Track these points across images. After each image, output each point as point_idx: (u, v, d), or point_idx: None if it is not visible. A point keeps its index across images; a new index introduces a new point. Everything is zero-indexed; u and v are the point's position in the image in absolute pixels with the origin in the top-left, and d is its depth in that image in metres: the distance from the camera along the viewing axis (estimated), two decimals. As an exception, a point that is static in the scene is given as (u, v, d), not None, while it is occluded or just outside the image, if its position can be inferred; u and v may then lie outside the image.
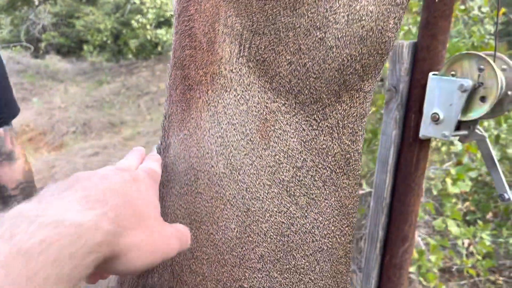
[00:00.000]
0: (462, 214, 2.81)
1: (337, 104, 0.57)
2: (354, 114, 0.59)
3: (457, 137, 1.15)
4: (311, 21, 0.52)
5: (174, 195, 0.56)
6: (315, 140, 0.57)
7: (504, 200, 1.11)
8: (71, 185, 0.40)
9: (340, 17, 0.52)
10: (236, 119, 0.54)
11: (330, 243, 0.61)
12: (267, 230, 0.57)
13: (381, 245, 1.30)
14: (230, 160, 0.55)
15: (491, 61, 1.01)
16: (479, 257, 2.78)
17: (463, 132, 1.13)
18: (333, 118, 0.58)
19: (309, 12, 0.51)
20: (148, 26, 7.19)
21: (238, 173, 0.55)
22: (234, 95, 0.54)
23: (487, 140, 1.13)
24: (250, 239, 0.56)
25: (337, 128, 0.58)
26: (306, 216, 0.58)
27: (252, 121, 0.55)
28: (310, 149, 0.57)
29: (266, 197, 0.56)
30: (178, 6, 0.51)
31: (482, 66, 1.02)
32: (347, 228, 0.63)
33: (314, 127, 0.57)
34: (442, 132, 1.10)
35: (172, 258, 0.57)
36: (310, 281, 0.60)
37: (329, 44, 0.53)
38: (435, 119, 1.10)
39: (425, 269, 2.59)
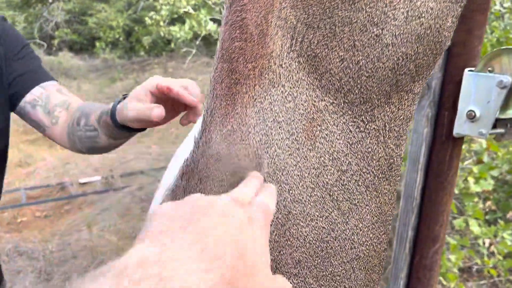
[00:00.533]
0: (483, 213, 2.78)
1: (386, 106, 0.54)
2: (402, 117, 0.56)
3: (493, 136, 1.11)
4: (369, 16, 0.49)
5: (213, 193, 0.54)
6: (361, 143, 0.55)
7: None
8: (187, 222, 0.38)
9: (399, 13, 0.49)
10: (282, 116, 0.52)
11: (367, 251, 0.58)
12: (307, 234, 0.54)
13: (411, 246, 1.27)
14: (274, 159, 0.52)
15: None
16: (500, 257, 2.74)
17: (500, 130, 1.09)
18: (380, 120, 0.55)
19: (368, 6, 0.48)
20: (161, 23, 7.20)
21: (282, 174, 0.52)
22: (282, 91, 0.51)
23: None
24: (289, 243, 0.53)
25: (384, 131, 0.56)
26: (347, 222, 0.55)
27: (299, 119, 0.52)
28: (355, 152, 0.55)
29: (309, 200, 0.53)
30: (231, -6, 0.49)
31: None
32: (383, 236, 0.60)
33: (361, 129, 0.54)
34: (478, 130, 1.06)
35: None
36: (346, 289, 0.57)
37: (385, 42, 0.50)
38: (471, 117, 1.06)
39: (445, 268, 2.56)
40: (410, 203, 1.27)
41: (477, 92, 1.06)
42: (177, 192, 0.57)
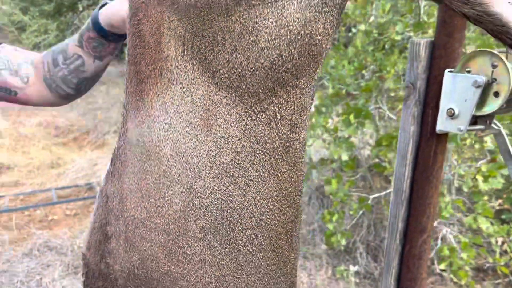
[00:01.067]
0: (495, 212, 2.79)
1: (274, 98, 0.65)
2: (292, 107, 0.67)
3: (474, 131, 1.18)
4: (243, 26, 0.60)
5: (129, 173, 0.66)
6: (253, 129, 0.66)
7: None
8: None
9: (269, 22, 0.60)
10: (182, 108, 0.64)
11: (269, 220, 0.69)
12: (208, 205, 0.65)
13: (401, 237, 1.34)
14: (176, 144, 0.64)
15: (504, 58, 1.05)
16: None
17: (480, 127, 1.15)
18: (270, 111, 0.66)
19: (241, 18, 0.60)
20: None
21: (183, 156, 0.64)
22: (180, 88, 0.63)
23: (504, 133, 1.16)
24: (193, 212, 0.65)
25: (275, 119, 0.67)
26: (244, 194, 0.67)
27: (196, 111, 0.64)
28: (249, 137, 0.66)
29: (207, 176, 0.65)
30: (129, 11, 0.61)
31: (495, 63, 1.05)
32: (288, 209, 0.71)
33: (252, 117, 0.65)
34: (457, 127, 1.13)
35: (127, 227, 0.66)
36: (248, 252, 0.68)
37: (261, 46, 0.61)
38: (451, 114, 1.14)
39: (457, 266, 2.59)
40: (400, 196, 1.36)
41: (455, 91, 1.13)
42: (108, 176, 0.70)
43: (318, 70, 0.69)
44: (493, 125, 1.18)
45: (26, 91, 1.01)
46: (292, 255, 0.75)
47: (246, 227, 0.68)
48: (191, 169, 0.64)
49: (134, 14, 0.61)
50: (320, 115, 3.04)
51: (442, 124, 1.18)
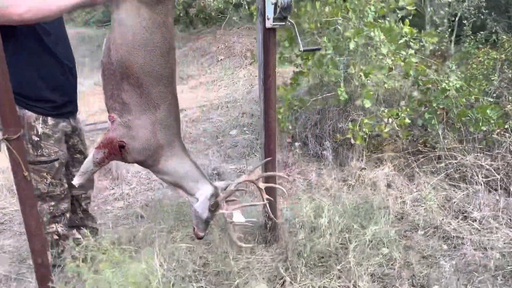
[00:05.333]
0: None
1: (159, 5, 2.24)
2: (167, 8, 2.26)
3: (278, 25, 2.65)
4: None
5: (116, 31, 2.25)
6: (154, 15, 2.25)
7: (300, 50, 2.69)
8: None
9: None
10: (130, 9, 2.22)
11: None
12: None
13: (263, 81, 2.84)
14: (126, 20, 2.23)
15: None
16: (399, 129, 4.16)
17: (282, 23, 2.65)
18: (159, 8, 2.24)
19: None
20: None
21: (126, 22, 2.23)
22: (130, 5, 2.22)
23: (294, 25, 2.70)
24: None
25: (161, 11, 2.26)
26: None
27: (134, 10, 2.22)
28: (156, 18, 2.25)
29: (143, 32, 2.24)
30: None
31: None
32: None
33: (153, 11, 2.24)
34: (272, 24, 2.60)
35: (115, 45, 2.27)
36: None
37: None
38: (268, 18, 2.61)
39: (357, 135, 4.05)
40: (260, 59, 2.84)
41: (269, 7, 2.60)
42: (110, 35, 2.30)
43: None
44: (288, 21, 2.68)
45: None
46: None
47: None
48: (134, 32, 2.23)
49: None
50: (285, 49, 4.60)
51: (267, 24, 2.69)
